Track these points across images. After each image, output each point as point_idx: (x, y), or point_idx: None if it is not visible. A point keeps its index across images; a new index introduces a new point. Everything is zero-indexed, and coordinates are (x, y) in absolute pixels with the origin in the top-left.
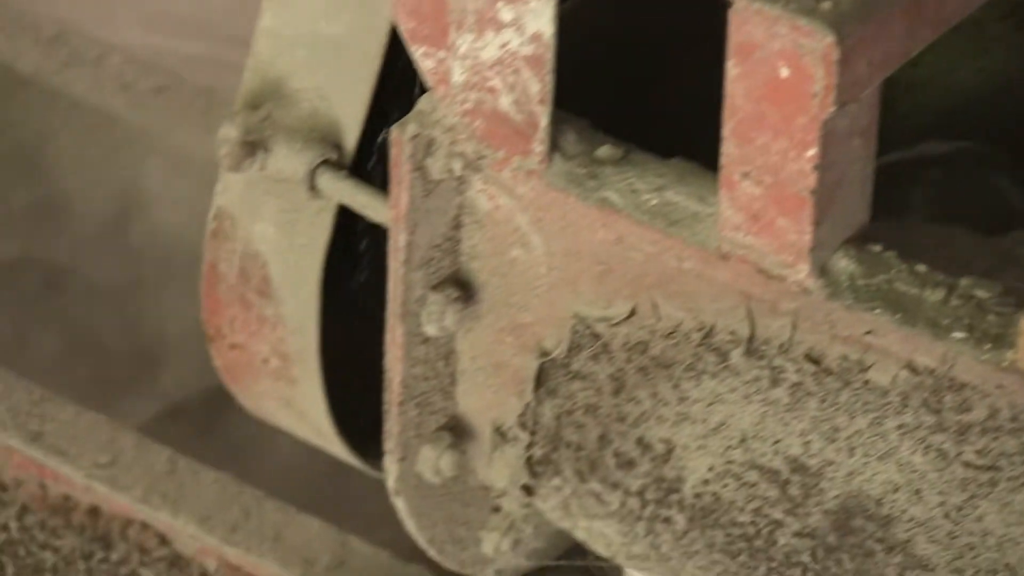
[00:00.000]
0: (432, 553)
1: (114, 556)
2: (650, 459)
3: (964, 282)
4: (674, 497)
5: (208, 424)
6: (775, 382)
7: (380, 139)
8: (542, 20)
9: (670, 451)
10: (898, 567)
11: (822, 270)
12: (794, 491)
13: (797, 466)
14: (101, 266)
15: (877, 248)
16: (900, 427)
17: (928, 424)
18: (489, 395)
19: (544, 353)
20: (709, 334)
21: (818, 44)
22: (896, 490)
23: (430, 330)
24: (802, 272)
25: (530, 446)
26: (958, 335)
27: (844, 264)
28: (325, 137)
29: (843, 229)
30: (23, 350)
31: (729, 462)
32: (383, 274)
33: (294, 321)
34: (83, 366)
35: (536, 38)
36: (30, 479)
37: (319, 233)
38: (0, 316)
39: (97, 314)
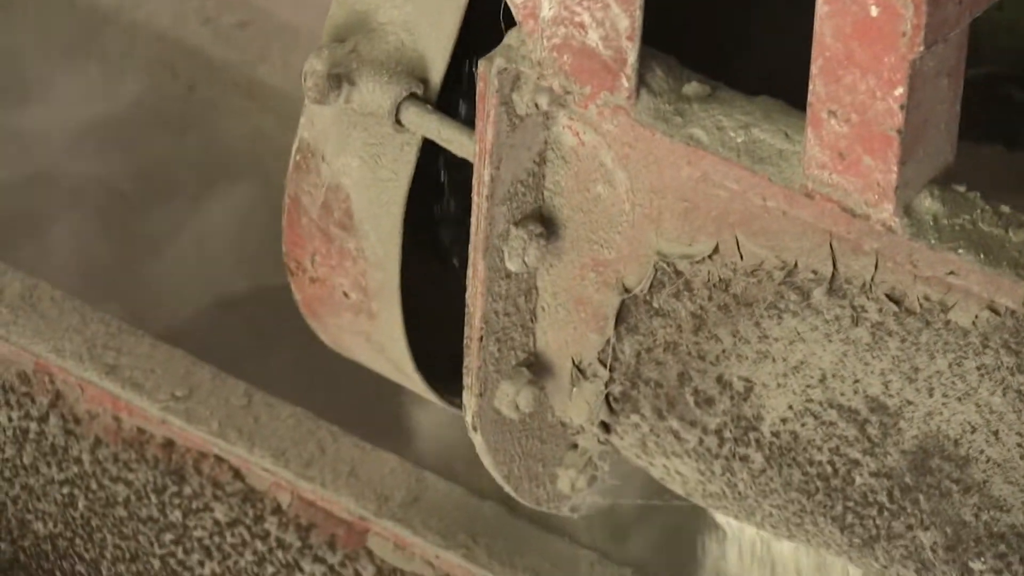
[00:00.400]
0: (508, 489)
1: (187, 490)
2: (729, 397)
3: None
4: (752, 435)
5: None
6: (856, 321)
7: (466, 73)
8: None
9: (749, 389)
10: (974, 508)
11: (906, 209)
12: (872, 431)
13: (876, 406)
14: None
15: (962, 188)
16: (980, 368)
17: (1008, 365)
18: (569, 331)
19: (626, 290)
20: (791, 273)
21: None
22: (974, 431)
23: (512, 265)
24: (886, 211)
25: (609, 383)
26: None
27: (928, 204)
28: (411, 71)
29: (928, 169)
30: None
31: (808, 401)
32: (466, 210)
33: (375, 255)
34: None
35: None
36: (104, 412)
37: (403, 167)
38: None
39: None
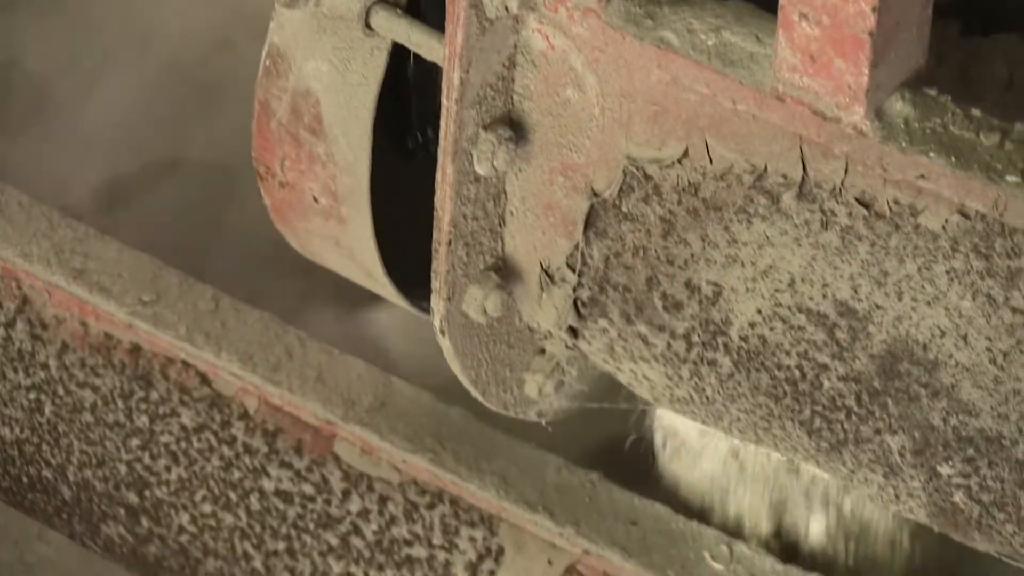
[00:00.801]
0: (476, 394)
1: (154, 395)
2: (697, 302)
3: (1019, 126)
4: (720, 340)
5: None
6: (826, 225)
7: None
8: None
9: (718, 294)
10: (943, 412)
11: (877, 112)
12: (841, 335)
13: (845, 310)
14: None
15: (932, 92)
16: (949, 272)
17: (977, 269)
18: (538, 236)
19: (595, 194)
20: (761, 177)
21: None
22: (943, 335)
23: (481, 169)
24: (857, 114)
25: (577, 287)
26: (1011, 179)
27: (899, 107)
28: None
29: (900, 72)
30: None
31: (777, 305)
32: (436, 115)
33: (345, 160)
34: None
35: None
36: (71, 317)
37: (373, 71)
38: None
39: None
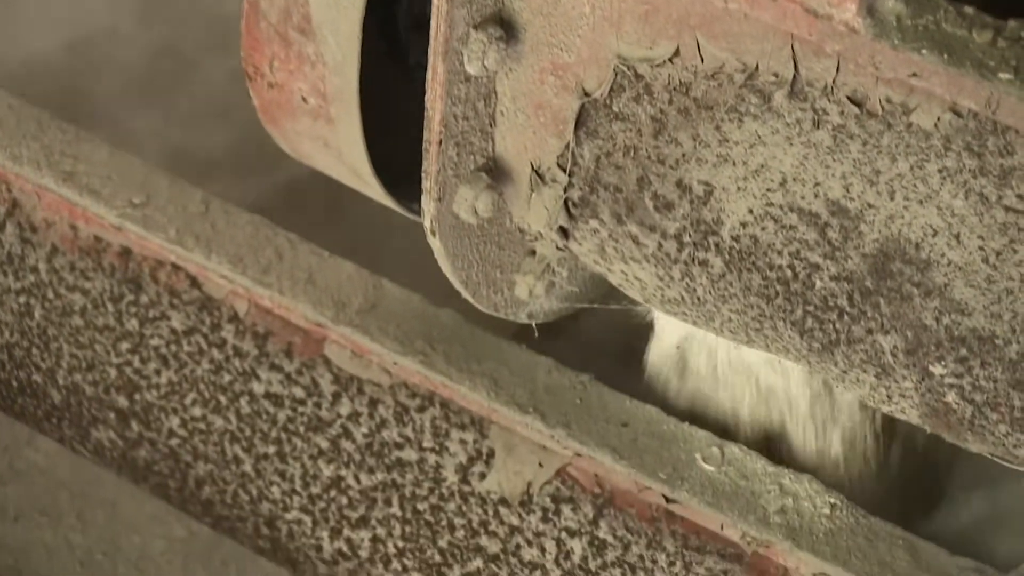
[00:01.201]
0: (466, 295)
1: (144, 299)
2: (689, 201)
3: (1012, 24)
4: (712, 240)
5: None
6: (817, 124)
7: None
8: None
9: (709, 193)
10: (935, 311)
11: (869, 9)
12: (833, 234)
13: (837, 209)
14: None
15: None
16: (942, 171)
17: (970, 167)
18: (528, 136)
19: (585, 94)
20: (752, 75)
21: None
22: (935, 234)
23: (472, 68)
24: (849, 11)
25: (568, 188)
26: (1004, 76)
27: (892, 4)
28: None
29: None
30: None
31: (769, 204)
32: (426, 15)
33: (334, 60)
34: None
35: None
36: (61, 220)
37: None
38: None
39: None
